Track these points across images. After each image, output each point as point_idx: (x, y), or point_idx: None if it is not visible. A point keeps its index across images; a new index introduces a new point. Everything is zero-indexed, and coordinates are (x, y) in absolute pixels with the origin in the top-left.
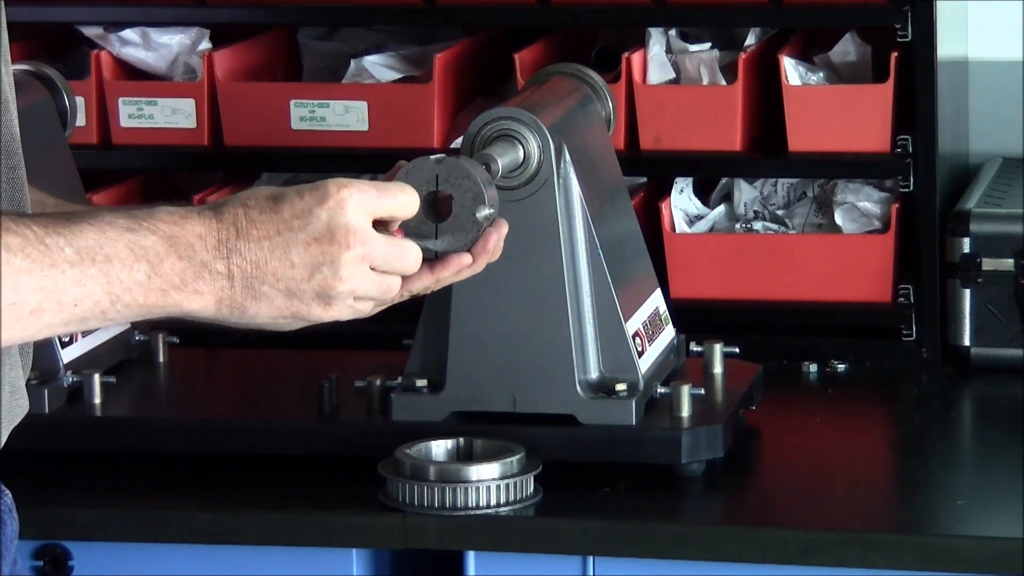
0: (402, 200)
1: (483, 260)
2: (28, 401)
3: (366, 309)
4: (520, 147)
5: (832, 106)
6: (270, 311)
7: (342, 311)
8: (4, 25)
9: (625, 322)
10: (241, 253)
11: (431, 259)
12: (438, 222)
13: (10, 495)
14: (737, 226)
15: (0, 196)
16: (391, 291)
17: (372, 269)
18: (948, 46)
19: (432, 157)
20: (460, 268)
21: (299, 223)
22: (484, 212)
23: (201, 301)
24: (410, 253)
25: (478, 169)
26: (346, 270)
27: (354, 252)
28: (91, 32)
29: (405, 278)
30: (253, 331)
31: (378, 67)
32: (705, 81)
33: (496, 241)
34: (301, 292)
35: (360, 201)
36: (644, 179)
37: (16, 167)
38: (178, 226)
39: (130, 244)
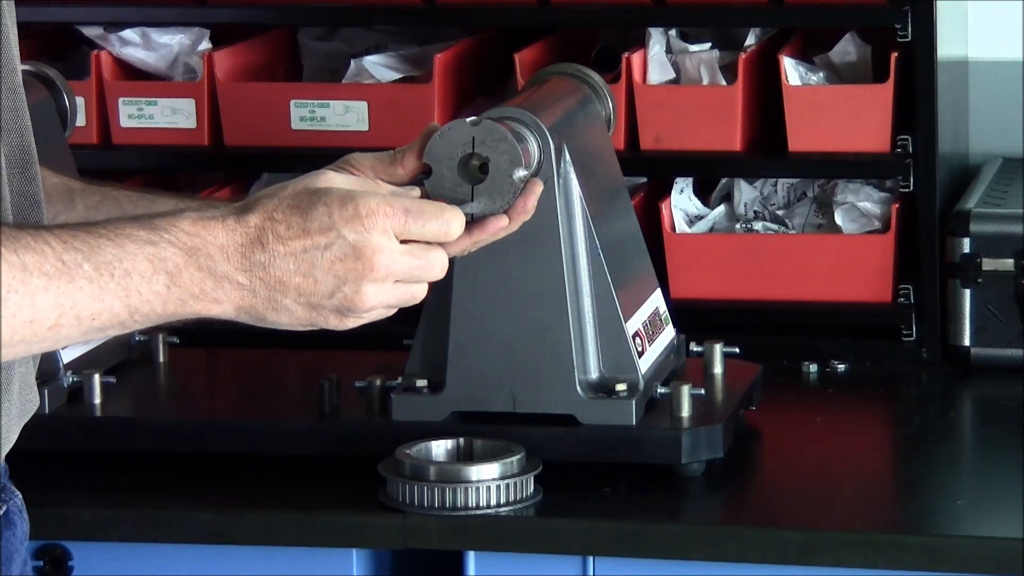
0: (432, 227)
1: (519, 220)
2: (38, 397)
3: (386, 315)
4: None
5: (832, 106)
6: (289, 321)
7: (358, 323)
8: (15, 28)
9: (625, 322)
10: (265, 267)
11: (468, 221)
12: (474, 184)
13: (20, 496)
14: (737, 226)
15: (9, 192)
16: (416, 298)
17: (396, 282)
18: (948, 46)
19: (468, 120)
20: (497, 230)
21: (325, 241)
22: (521, 173)
23: (220, 308)
24: (436, 264)
25: (513, 139)
26: (368, 290)
27: (377, 274)
28: (91, 32)
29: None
30: (253, 330)
31: (378, 67)
32: (705, 81)
33: (533, 201)
34: (321, 306)
35: (388, 224)
36: (644, 179)
37: (28, 150)
38: (199, 237)
39: (149, 256)
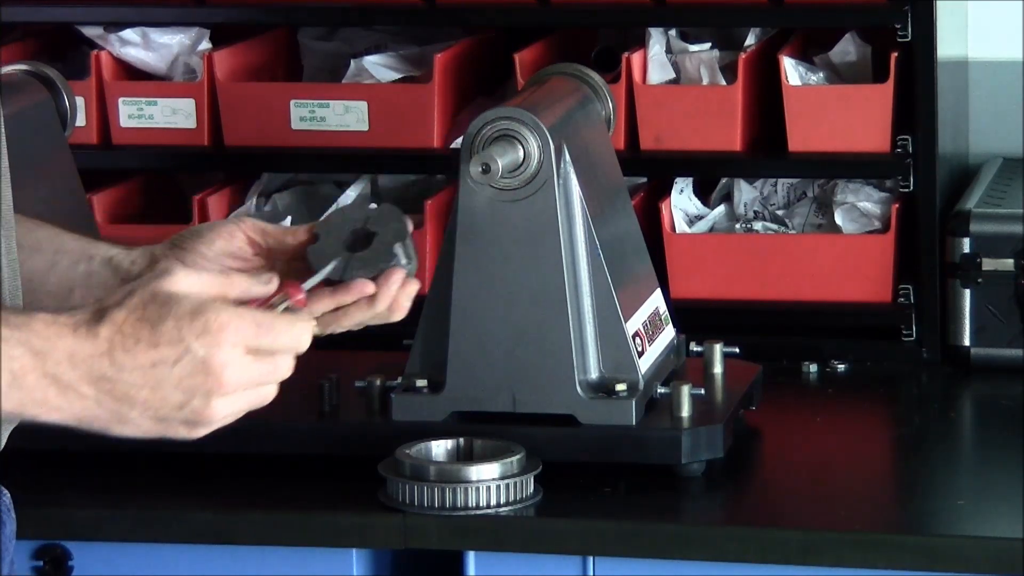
0: (283, 339)
1: (385, 299)
2: None
3: (237, 417)
4: (520, 147)
5: (832, 106)
6: (135, 432)
7: (209, 431)
8: None
9: (625, 322)
10: (111, 380)
11: (336, 281)
12: (354, 252)
13: (8, 495)
14: (737, 226)
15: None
16: (265, 400)
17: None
18: (948, 46)
19: (371, 205)
20: (361, 295)
21: (174, 355)
22: (400, 249)
23: (59, 416)
24: (282, 367)
25: (408, 223)
26: (217, 404)
27: (226, 388)
28: (91, 32)
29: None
30: None
31: (378, 67)
32: (705, 81)
33: (409, 290)
34: (170, 419)
35: (238, 339)
36: (644, 179)
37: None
38: (50, 341)
39: None
